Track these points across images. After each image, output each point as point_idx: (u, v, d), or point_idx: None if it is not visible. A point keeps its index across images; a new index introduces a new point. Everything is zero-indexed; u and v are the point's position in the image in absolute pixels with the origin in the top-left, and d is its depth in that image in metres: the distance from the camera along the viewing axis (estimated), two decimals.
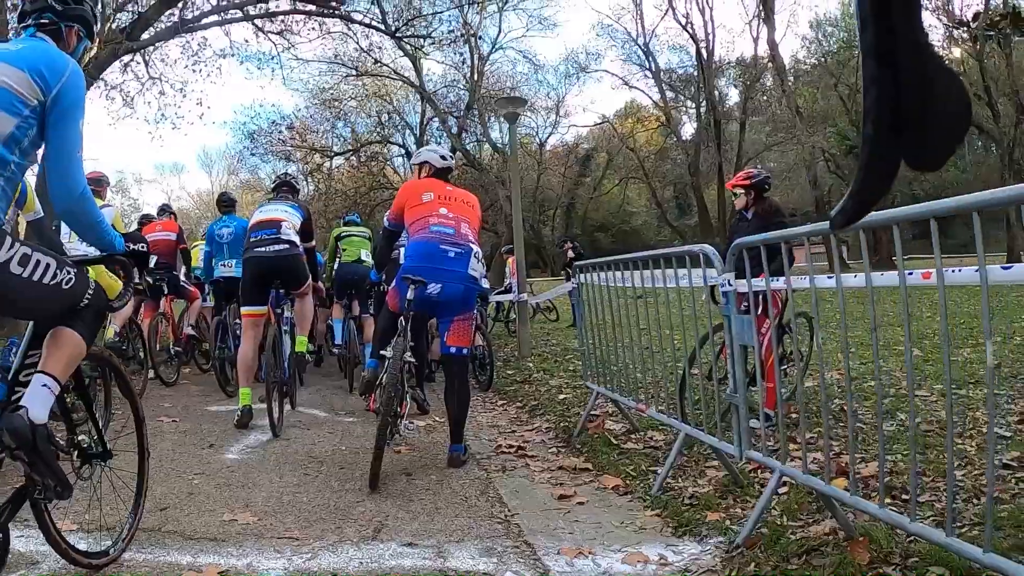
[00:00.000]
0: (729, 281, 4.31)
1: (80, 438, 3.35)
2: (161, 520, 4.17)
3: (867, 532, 3.46)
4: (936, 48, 0.72)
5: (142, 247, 3.41)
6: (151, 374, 9.35)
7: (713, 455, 4.94)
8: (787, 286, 4.06)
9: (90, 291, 3.14)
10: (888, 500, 3.12)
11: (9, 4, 15.98)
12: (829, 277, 3.66)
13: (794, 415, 5.72)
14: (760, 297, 4.31)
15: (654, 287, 5.48)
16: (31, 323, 3.17)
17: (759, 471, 4.70)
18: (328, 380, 10.52)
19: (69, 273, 2.99)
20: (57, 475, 2.90)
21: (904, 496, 3.76)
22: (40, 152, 3.03)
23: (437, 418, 7.20)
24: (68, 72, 2.97)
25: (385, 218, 6.34)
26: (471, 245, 5.73)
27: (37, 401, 2.85)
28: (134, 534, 3.75)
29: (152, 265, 3.45)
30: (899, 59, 0.73)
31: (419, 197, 5.87)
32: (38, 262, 2.82)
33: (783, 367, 5.89)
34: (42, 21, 3.17)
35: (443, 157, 6.43)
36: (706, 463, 5.10)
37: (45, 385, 2.89)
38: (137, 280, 3.39)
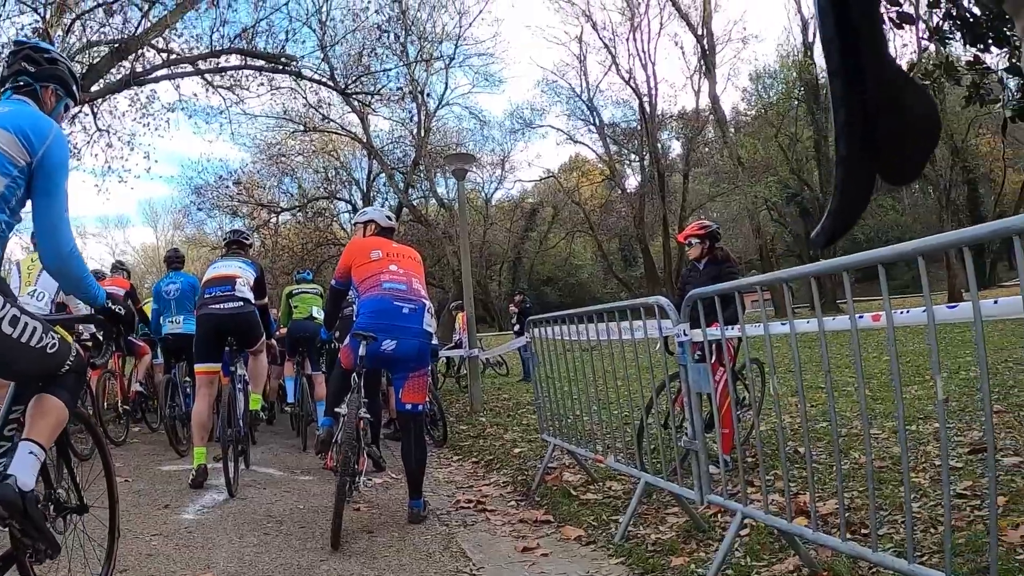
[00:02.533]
0: (684, 331, 4.40)
1: (58, 492, 3.35)
2: None
3: (830, 567, 3.54)
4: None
5: (120, 309, 3.48)
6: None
7: (673, 502, 4.99)
8: (742, 334, 4.16)
9: (71, 357, 3.18)
10: (849, 535, 3.19)
11: None
12: (783, 324, 3.76)
13: (751, 459, 5.81)
14: (714, 345, 4.41)
15: (609, 339, 5.55)
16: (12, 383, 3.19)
17: (720, 515, 4.77)
18: (281, 438, 10.42)
19: (53, 338, 3.03)
20: (47, 537, 2.96)
21: (863, 531, 3.84)
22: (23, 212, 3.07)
23: (393, 475, 7.17)
24: (52, 135, 3.03)
25: (332, 277, 6.36)
26: (423, 300, 5.78)
27: (25, 469, 2.88)
28: None
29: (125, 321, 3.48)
30: (866, 76, 0.75)
31: (367, 255, 5.91)
32: (26, 324, 2.87)
33: (738, 412, 5.98)
34: (18, 83, 3.25)
35: (388, 217, 6.54)
36: (667, 510, 5.15)
37: (32, 452, 2.93)
38: (111, 338, 3.43)
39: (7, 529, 2.94)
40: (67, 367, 3.17)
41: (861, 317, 3.18)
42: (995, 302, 2.67)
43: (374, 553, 4.72)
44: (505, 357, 19.56)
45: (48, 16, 15.64)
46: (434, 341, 6.87)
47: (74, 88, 3.52)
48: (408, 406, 5.71)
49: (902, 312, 3.03)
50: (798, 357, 3.43)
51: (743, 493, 3.97)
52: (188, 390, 9.11)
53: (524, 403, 12.44)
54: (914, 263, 2.69)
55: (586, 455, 5.95)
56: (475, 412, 11.83)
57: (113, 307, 3.46)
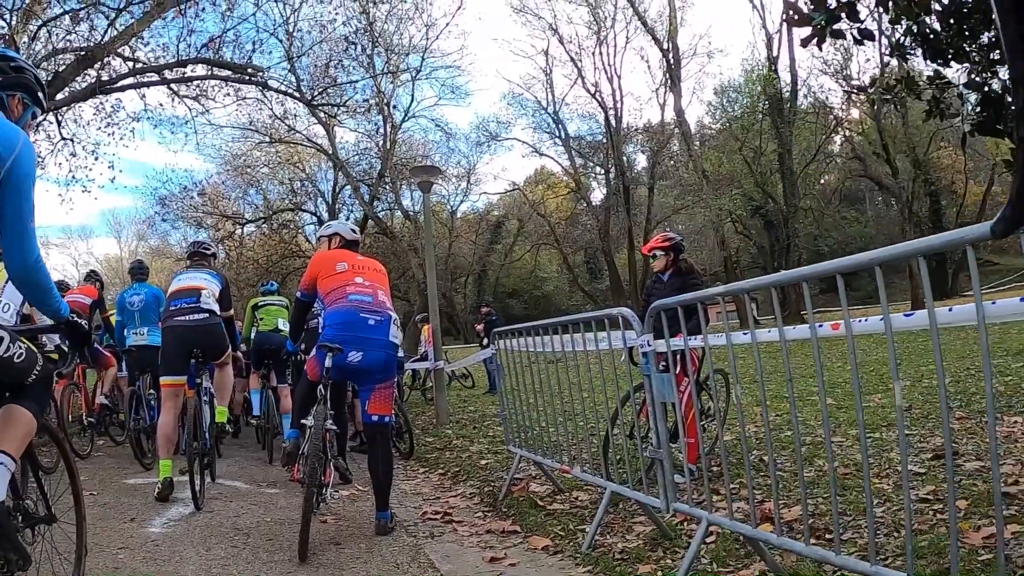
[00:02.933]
0: (648, 342, 4.46)
1: (26, 503, 3.37)
2: None
3: (795, 572, 3.60)
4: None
5: (84, 322, 3.55)
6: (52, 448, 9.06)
7: (640, 511, 5.05)
8: (704, 344, 4.22)
9: (38, 367, 3.20)
10: (813, 541, 3.26)
11: None
12: (744, 334, 3.83)
13: (716, 468, 5.88)
14: (678, 356, 4.47)
15: (574, 351, 5.60)
16: None
17: (686, 523, 4.83)
18: (246, 451, 10.37)
19: (20, 348, 3.07)
20: (18, 549, 2.98)
21: (828, 536, 3.90)
22: None
23: (360, 487, 7.18)
24: (19, 145, 3.00)
25: (297, 289, 6.36)
26: (389, 312, 5.81)
27: None
28: None
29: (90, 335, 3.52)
30: None
31: (333, 267, 5.95)
32: None
33: (702, 422, 6.05)
34: None
35: (353, 230, 6.60)
36: (633, 519, 5.21)
37: (2, 463, 2.95)
38: (75, 351, 3.45)
39: None
40: (34, 377, 3.19)
41: (821, 326, 3.25)
42: (950, 310, 2.75)
43: (341, 564, 4.73)
44: (470, 369, 19.58)
45: (14, 22, 15.52)
46: (400, 353, 6.91)
47: (40, 96, 3.49)
48: (375, 418, 5.71)
49: (861, 321, 3.11)
50: (760, 366, 3.50)
51: (708, 501, 4.02)
52: (153, 402, 9.05)
53: (490, 415, 12.46)
54: (875, 273, 2.77)
55: (552, 466, 6.00)
56: (441, 424, 11.86)
57: (77, 320, 3.45)
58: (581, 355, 5.62)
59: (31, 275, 3.08)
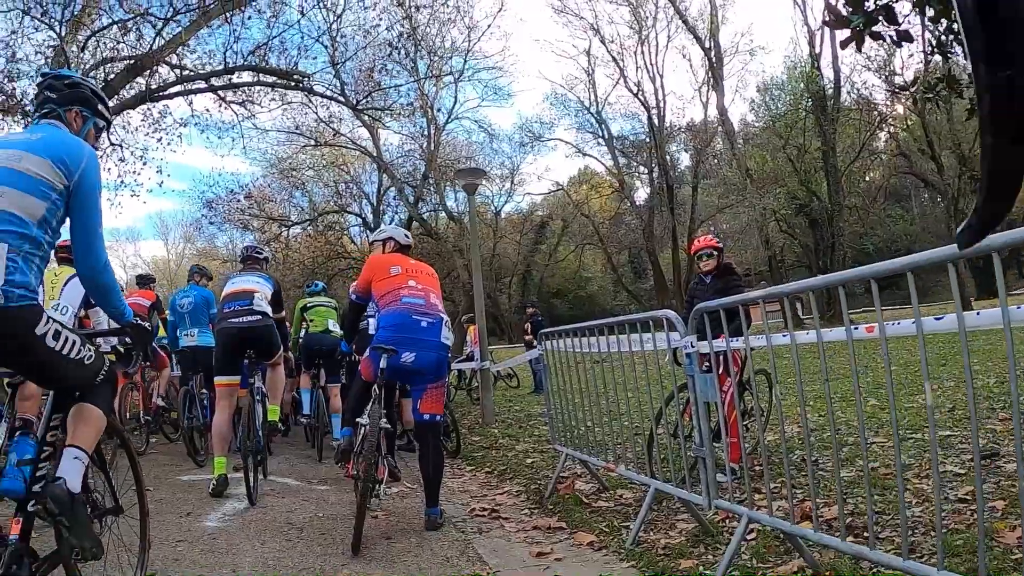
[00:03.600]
0: (692, 343, 4.56)
1: (94, 495, 3.58)
2: None
3: (833, 568, 3.69)
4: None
5: (148, 324, 3.71)
6: (116, 443, 9.25)
7: (682, 508, 5.15)
8: (746, 346, 4.31)
9: (104, 367, 3.40)
10: (850, 539, 3.35)
11: None
12: (784, 335, 3.92)
13: (757, 467, 5.95)
14: (721, 357, 4.56)
15: (619, 351, 5.69)
16: (52, 392, 3.39)
17: (727, 521, 4.92)
18: (296, 449, 10.57)
19: (89, 350, 3.26)
20: (92, 538, 3.17)
21: (865, 534, 3.98)
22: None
23: (408, 485, 7.32)
24: (86, 158, 3.25)
25: (351, 291, 6.50)
26: (440, 314, 5.95)
27: (72, 472, 3.11)
28: None
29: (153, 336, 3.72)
30: (1016, 61, 0.69)
31: (387, 270, 6.10)
32: (67, 338, 3.09)
33: (745, 422, 6.12)
34: (44, 111, 3.48)
35: (406, 235, 6.78)
36: (676, 516, 5.31)
37: (77, 457, 3.16)
38: (139, 352, 3.64)
39: (52, 529, 3.17)
40: (101, 377, 3.39)
41: (856, 328, 3.33)
42: (977, 314, 2.83)
43: (393, 558, 4.88)
44: (516, 369, 19.67)
45: (64, 33, 15.84)
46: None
47: (100, 107, 3.71)
48: (426, 416, 5.84)
49: (895, 324, 3.20)
50: (799, 368, 3.59)
51: (749, 499, 4.12)
52: (205, 402, 9.29)
53: (535, 415, 12.57)
54: (937, 270, 2.85)
55: (598, 464, 6.11)
56: (487, 424, 11.98)
57: (140, 322, 3.65)
58: (626, 355, 5.71)
59: (99, 277, 3.32)
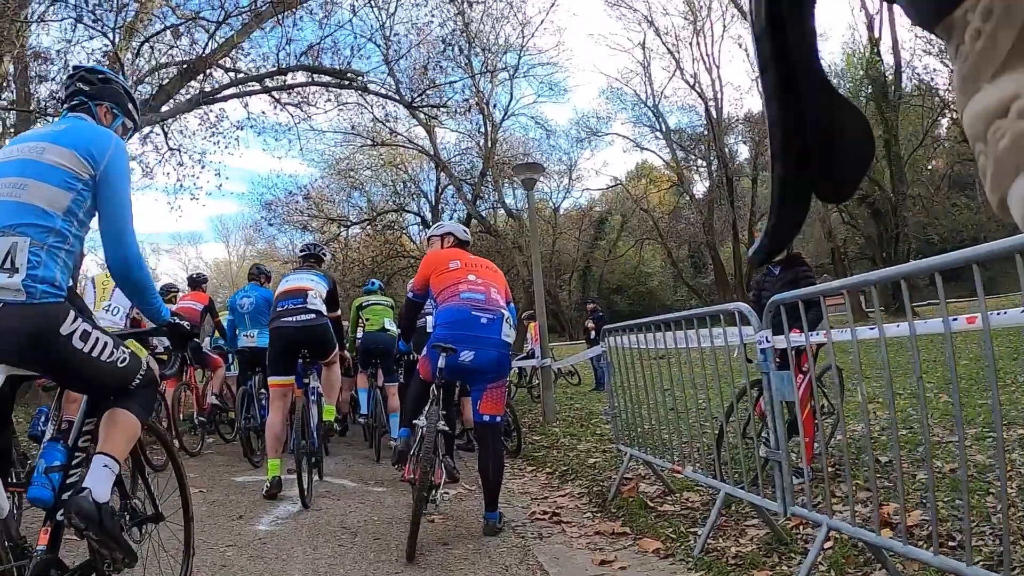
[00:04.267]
0: (767, 337, 4.26)
1: (134, 502, 3.47)
2: None
3: None
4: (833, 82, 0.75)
5: (187, 325, 3.59)
6: (175, 444, 9.26)
7: (753, 513, 4.87)
8: (828, 339, 4.02)
9: (142, 371, 3.26)
10: (938, 547, 3.04)
11: (34, 75, 16.44)
12: (872, 328, 3.63)
13: (832, 468, 5.65)
14: (793, 352, 4.28)
15: (687, 347, 5.43)
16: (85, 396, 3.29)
17: (801, 527, 4.63)
18: (354, 449, 10.45)
19: (124, 352, 3.13)
20: (123, 547, 3.04)
21: (951, 543, 3.68)
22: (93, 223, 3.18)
23: (467, 486, 7.13)
24: (112, 146, 3.14)
25: (409, 289, 6.31)
26: (501, 310, 5.70)
27: (100, 481, 2.97)
28: None
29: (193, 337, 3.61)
30: (802, 98, 0.75)
31: (446, 265, 5.89)
32: (97, 339, 2.97)
33: (818, 420, 5.82)
34: (74, 103, 3.39)
35: (464, 230, 6.56)
36: (746, 521, 5.04)
37: (106, 466, 3.02)
38: (178, 353, 3.54)
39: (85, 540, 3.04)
40: (138, 381, 3.25)
41: (955, 320, 3.06)
42: None
43: (449, 566, 4.67)
44: (577, 367, 19.44)
45: (117, 40, 16.00)
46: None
47: (130, 107, 3.64)
48: (486, 418, 5.62)
49: (955, 319, 2.94)
50: (888, 361, 3.31)
51: (828, 504, 3.82)
52: (263, 402, 9.21)
53: (597, 413, 12.33)
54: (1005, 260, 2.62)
55: (663, 465, 5.85)
56: (548, 422, 11.75)
57: (178, 322, 3.55)
58: (694, 351, 5.46)
59: (130, 272, 3.18)
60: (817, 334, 4.15)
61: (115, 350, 3.07)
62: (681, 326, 5.38)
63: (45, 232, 2.88)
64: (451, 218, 39.74)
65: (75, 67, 3.60)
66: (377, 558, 4.87)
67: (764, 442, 4.89)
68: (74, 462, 3.13)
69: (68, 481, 3.07)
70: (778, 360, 4.54)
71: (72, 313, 2.89)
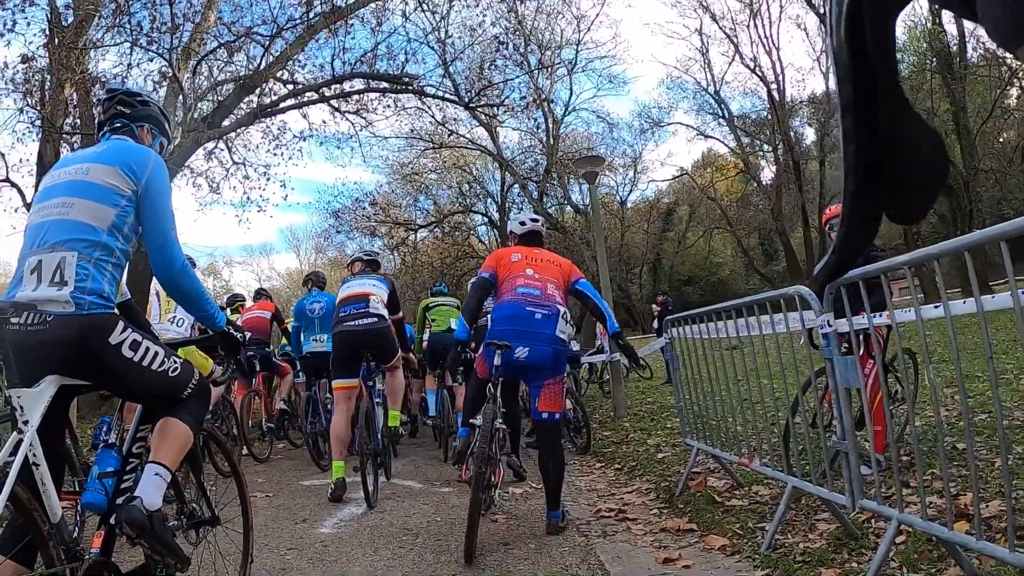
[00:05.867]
0: (828, 322, 4.08)
1: (191, 506, 3.58)
2: None
3: None
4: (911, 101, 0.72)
5: (241, 335, 3.64)
6: (244, 451, 9.38)
7: (822, 506, 4.70)
8: (892, 321, 3.83)
9: (194, 381, 3.33)
10: (1016, 541, 2.84)
11: (95, 100, 16.86)
12: (936, 307, 3.46)
13: (905, 457, 5.45)
14: (862, 336, 4.10)
15: (749, 335, 5.27)
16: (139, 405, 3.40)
17: (872, 520, 4.45)
18: (423, 450, 10.46)
19: (175, 363, 3.22)
20: (176, 553, 3.12)
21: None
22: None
23: (534, 484, 7.05)
24: (151, 162, 3.24)
25: (479, 270, 6.22)
26: (558, 306, 5.60)
27: (151, 489, 3.05)
28: None
29: (244, 345, 3.66)
30: (879, 114, 0.73)
31: (508, 257, 5.90)
32: (147, 349, 3.06)
33: (890, 408, 5.62)
34: (116, 125, 3.50)
35: (522, 223, 6.42)
36: (815, 515, 4.87)
37: (157, 474, 3.09)
38: (231, 361, 3.61)
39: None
40: (189, 391, 3.32)
41: (992, 297, 2.87)
42: None
43: (508, 566, 4.60)
44: (648, 360, 19.22)
45: (174, 61, 16.30)
46: (575, 347, 6.69)
47: (167, 127, 3.77)
48: (544, 415, 5.54)
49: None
50: (955, 342, 3.14)
51: (899, 497, 3.65)
52: (329, 406, 9.27)
53: (667, 406, 12.16)
54: None
55: (731, 459, 5.69)
56: (618, 417, 11.62)
57: (231, 331, 3.59)
58: (757, 339, 5.30)
59: (178, 281, 3.25)
60: (882, 316, 3.97)
61: (166, 360, 3.15)
62: (742, 313, 5.22)
63: (91, 246, 2.98)
64: (519, 215, 39.76)
65: (110, 90, 3.69)
66: (436, 560, 4.84)
67: (833, 432, 4.71)
68: (127, 468, 3.21)
69: (121, 487, 3.15)
70: (846, 346, 4.37)
71: (121, 324, 2.99)
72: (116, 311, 3.03)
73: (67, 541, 2.78)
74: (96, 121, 3.64)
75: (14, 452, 2.66)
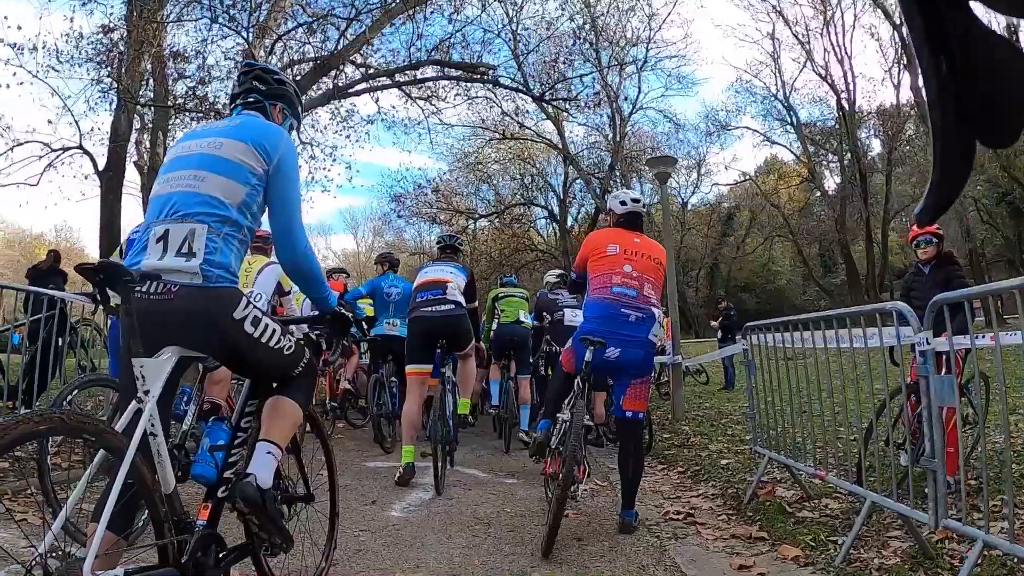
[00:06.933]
0: (927, 340, 4.09)
1: (287, 482, 3.57)
2: None
3: None
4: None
5: (352, 316, 3.65)
6: (306, 428, 9.43)
7: (896, 523, 4.71)
8: (971, 344, 3.84)
9: (305, 359, 3.35)
10: None
11: (171, 73, 17.18)
12: (1011, 334, 3.45)
13: (974, 480, 5.42)
14: (943, 357, 4.10)
15: (838, 348, 5.26)
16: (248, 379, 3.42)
17: (947, 540, 4.44)
18: (483, 440, 10.50)
19: (290, 340, 3.22)
20: (283, 532, 3.15)
21: None
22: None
23: (598, 482, 7.10)
24: (283, 142, 3.22)
25: (573, 268, 6.15)
26: (653, 308, 5.52)
27: (264, 467, 3.07)
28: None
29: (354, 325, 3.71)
30: (952, 42, 0.72)
31: (604, 248, 5.69)
32: (267, 326, 3.06)
33: (964, 429, 5.58)
34: (249, 100, 3.50)
35: (622, 202, 6.04)
36: (888, 532, 4.86)
37: (269, 452, 3.11)
38: (338, 341, 3.63)
39: (242, 523, 3.16)
40: (300, 369, 3.32)
41: None
42: None
43: (585, 563, 4.63)
44: (705, 365, 19.13)
45: (251, 39, 16.51)
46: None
47: (299, 109, 3.77)
48: (628, 414, 5.53)
49: None
50: None
51: (985, 517, 3.66)
52: (393, 390, 9.37)
53: (727, 412, 12.14)
54: None
55: (803, 470, 5.69)
56: (677, 420, 11.63)
57: (343, 311, 3.60)
58: (841, 352, 5.29)
59: (300, 263, 3.27)
60: (965, 338, 3.97)
61: (282, 338, 3.16)
62: (832, 325, 5.20)
63: (221, 221, 2.96)
64: (579, 212, 39.71)
65: (248, 64, 3.71)
66: (512, 551, 4.87)
67: (905, 450, 4.71)
68: (236, 442, 3.24)
69: (230, 460, 3.18)
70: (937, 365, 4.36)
71: (244, 299, 2.99)
72: (238, 286, 3.02)
73: (178, 512, 2.80)
74: (231, 93, 3.68)
75: (133, 421, 2.66)
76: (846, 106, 43.13)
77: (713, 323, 19.32)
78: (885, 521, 5.00)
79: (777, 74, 45.61)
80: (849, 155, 43.34)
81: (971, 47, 0.72)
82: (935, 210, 0.81)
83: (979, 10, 0.71)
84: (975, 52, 0.72)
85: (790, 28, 43.15)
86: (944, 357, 4.35)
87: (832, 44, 43.24)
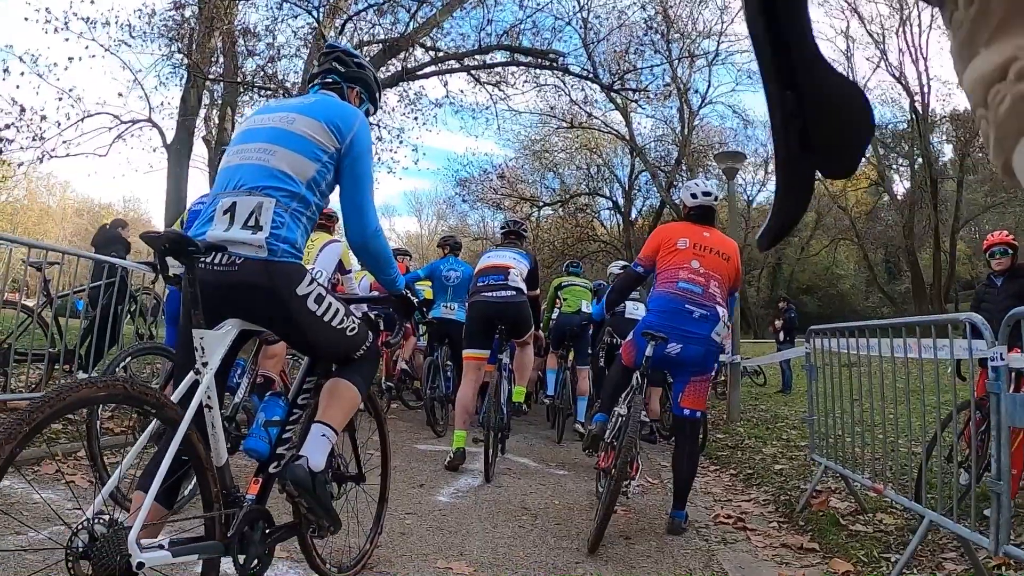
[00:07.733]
0: (1001, 355, 3.95)
1: (338, 459, 3.56)
2: (375, 559, 4.13)
3: None
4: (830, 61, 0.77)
5: (417, 299, 3.71)
6: (361, 406, 9.47)
7: (951, 544, 4.58)
8: None
9: (367, 342, 3.35)
10: None
11: (241, 50, 17.41)
12: None
13: None
14: (1013, 374, 3.97)
15: (905, 357, 5.11)
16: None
17: (1004, 567, 4.31)
18: (535, 429, 10.49)
19: (354, 322, 3.21)
20: (331, 514, 3.14)
21: None
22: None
23: (648, 479, 7.03)
24: (358, 122, 3.22)
25: (636, 259, 6.02)
26: (718, 307, 5.42)
27: (317, 450, 3.07)
28: (367, 559, 3.99)
29: (418, 309, 3.71)
30: (798, 78, 0.75)
31: (674, 243, 5.61)
32: (330, 304, 3.06)
33: None
34: (327, 80, 3.52)
35: (694, 195, 5.90)
36: (943, 553, 4.72)
37: (324, 435, 3.11)
38: (402, 323, 3.63)
39: (291, 504, 3.16)
40: (362, 352, 3.33)
41: None
42: None
43: (631, 562, 4.57)
44: (763, 366, 18.91)
45: (321, 18, 16.61)
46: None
47: (376, 96, 3.76)
48: (686, 411, 5.45)
49: None
50: None
51: None
52: (448, 373, 9.38)
53: (783, 416, 11.98)
54: None
55: (861, 482, 5.55)
56: (732, 421, 11.50)
57: (408, 294, 3.64)
58: (909, 362, 5.15)
59: (370, 243, 3.28)
60: None
61: (345, 318, 3.15)
62: (900, 333, 5.05)
63: (290, 196, 2.95)
64: (643, 205, 39.42)
65: (330, 46, 3.74)
66: (558, 544, 4.83)
67: (966, 469, 4.57)
68: (291, 418, 3.24)
69: (284, 435, 3.18)
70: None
71: (309, 276, 2.97)
72: (303, 263, 3.00)
73: (228, 486, 2.80)
74: (310, 73, 3.69)
75: (189, 393, 2.66)
76: (920, 109, 42.07)
77: (777, 322, 19.03)
78: (941, 542, 4.87)
79: (850, 72, 44.65)
80: (920, 160, 42.33)
81: (816, 82, 0.76)
82: (775, 235, 0.84)
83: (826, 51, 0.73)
84: (819, 87, 0.76)
85: (865, 26, 42.11)
86: (1016, 374, 4.22)
87: (908, 44, 42.06)
